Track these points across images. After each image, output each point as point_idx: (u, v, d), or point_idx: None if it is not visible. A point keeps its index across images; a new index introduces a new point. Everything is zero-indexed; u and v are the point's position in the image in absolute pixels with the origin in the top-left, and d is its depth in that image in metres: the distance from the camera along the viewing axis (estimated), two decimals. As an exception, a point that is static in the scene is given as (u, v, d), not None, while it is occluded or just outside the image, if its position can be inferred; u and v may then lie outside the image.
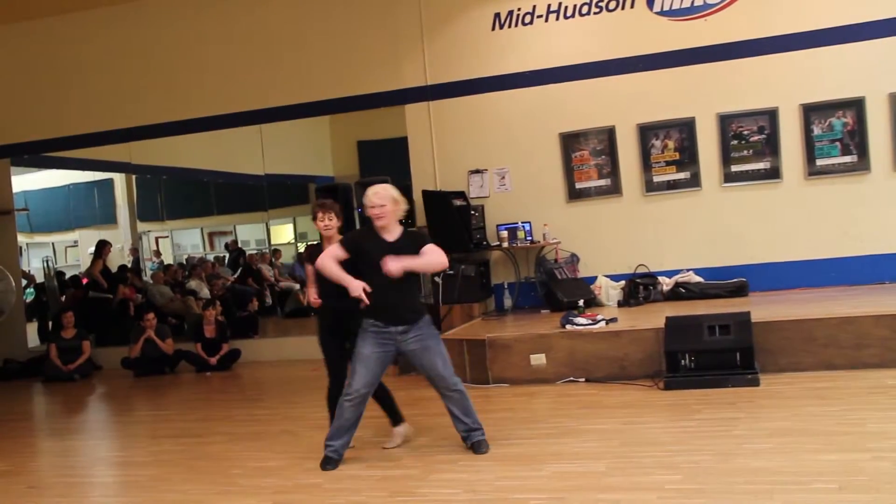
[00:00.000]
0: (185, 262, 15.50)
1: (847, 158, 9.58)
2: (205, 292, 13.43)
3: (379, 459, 5.91)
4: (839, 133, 9.59)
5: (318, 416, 7.74)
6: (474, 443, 5.81)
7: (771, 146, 9.77)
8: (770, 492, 4.53)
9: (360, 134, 13.29)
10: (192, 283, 13.84)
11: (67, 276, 14.92)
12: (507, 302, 10.34)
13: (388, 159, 12.19)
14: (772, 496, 4.46)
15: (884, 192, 9.45)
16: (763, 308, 8.15)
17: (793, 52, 9.63)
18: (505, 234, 10.26)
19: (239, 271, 14.32)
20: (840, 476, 4.62)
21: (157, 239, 16.10)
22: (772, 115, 9.74)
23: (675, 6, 9.97)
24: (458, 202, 10.11)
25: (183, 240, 16.92)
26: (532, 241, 10.25)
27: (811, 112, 9.63)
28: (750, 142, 9.84)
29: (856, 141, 9.53)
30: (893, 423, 5.63)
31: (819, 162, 9.65)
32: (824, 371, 7.27)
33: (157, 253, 15.65)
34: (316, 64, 11.21)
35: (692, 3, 9.90)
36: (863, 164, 9.52)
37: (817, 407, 6.23)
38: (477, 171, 10.64)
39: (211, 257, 15.73)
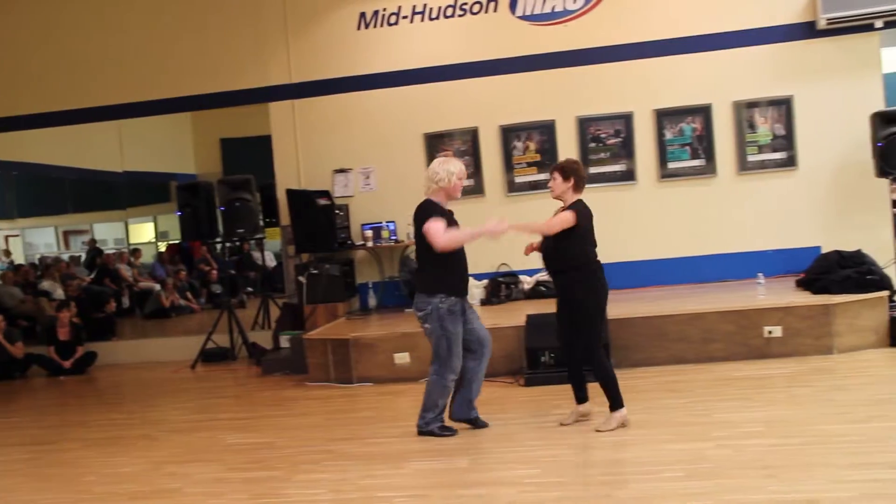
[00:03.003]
0: (37, 262, 14.87)
1: (696, 162, 10.03)
2: (58, 293, 12.91)
3: (243, 461, 5.85)
4: (689, 138, 10.04)
5: (178, 419, 7.61)
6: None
7: (626, 149, 10.12)
8: (624, 482, 4.75)
9: (223, 131, 13.04)
10: (45, 284, 13.28)
11: None
12: (372, 301, 10.37)
13: (252, 157, 12.03)
14: (626, 486, 4.68)
15: (728, 194, 9.93)
16: (618, 305, 8.38)
17: (647, 60, 10.00)
18: (369, 233, 10.29)
19: (95, 271, 13.83)
20: (686, 464, 4.89)
21: (6, 238, 15.39)
22: (627, 119, 10.10)
23: (537, 11, 10.21)
24: (322, 201, 10.07)
25: (35, 238, 16.22)
26: (396, 241, 10.31)
27: (664, 117, 10.04)
28: (607, 145, 10.18)
29: (703, 146, 9.99)
30: (736, 413, 5.98)
31: (671, 165, 10.07)
32: (676, 365, 7.64)
33: (7, 252, 14.96)
34: (179, 59, 10.93)
35: (553, 8, 10.17)
36: (710, 168, 9.98)
37: (669, 399, 6.55)
38: (341, 171, 10.62)
39: (66, 257, 15.15)
